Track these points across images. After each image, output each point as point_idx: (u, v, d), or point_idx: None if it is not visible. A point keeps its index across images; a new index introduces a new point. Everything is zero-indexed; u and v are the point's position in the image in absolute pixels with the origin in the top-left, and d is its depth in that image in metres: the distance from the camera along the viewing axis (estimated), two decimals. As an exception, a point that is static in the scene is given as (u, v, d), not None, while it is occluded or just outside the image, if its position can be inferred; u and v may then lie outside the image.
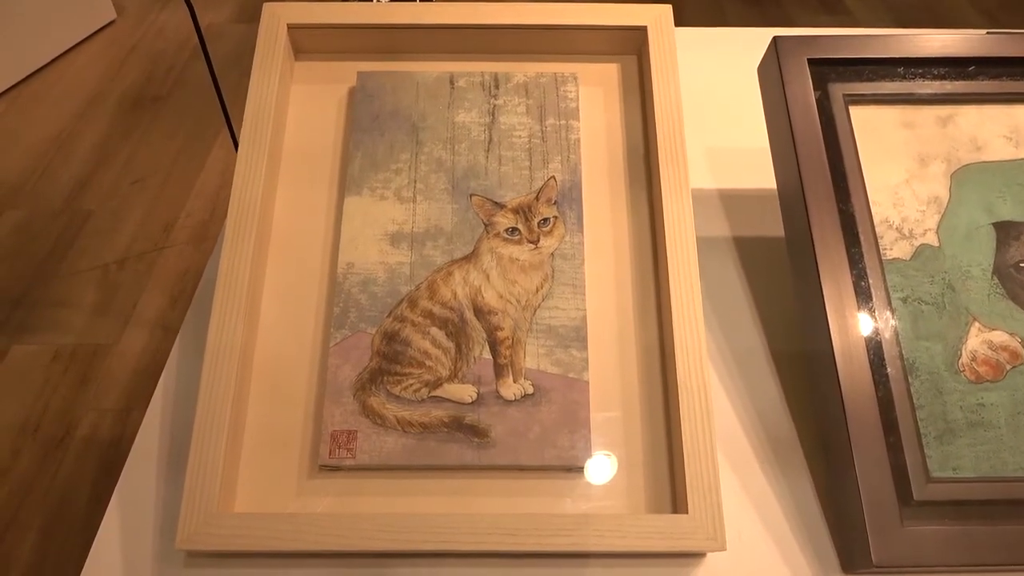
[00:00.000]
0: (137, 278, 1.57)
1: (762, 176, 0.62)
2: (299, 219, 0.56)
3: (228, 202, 0.53)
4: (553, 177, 0.55)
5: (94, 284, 1.56)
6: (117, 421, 1.36)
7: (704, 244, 0.61)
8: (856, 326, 0.49)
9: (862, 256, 0.52)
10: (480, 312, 0.51)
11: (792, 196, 0.55)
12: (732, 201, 0.67)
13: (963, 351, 0.50)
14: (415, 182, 0.55)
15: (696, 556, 0.47)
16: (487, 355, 0.50)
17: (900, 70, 0.57)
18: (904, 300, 0.51)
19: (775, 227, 0.59)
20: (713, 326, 0.59)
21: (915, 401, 0.48)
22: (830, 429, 0.50)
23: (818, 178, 0.53)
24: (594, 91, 0.60)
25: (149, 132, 1.89)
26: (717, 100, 0.73)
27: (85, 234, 1.66)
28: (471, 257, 0.53)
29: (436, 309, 0.51)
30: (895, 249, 0.53)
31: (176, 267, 1.58)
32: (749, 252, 0.63)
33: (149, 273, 1.57)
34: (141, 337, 1.48)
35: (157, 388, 0.55)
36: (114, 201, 1.72)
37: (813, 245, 0.51)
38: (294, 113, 0.60)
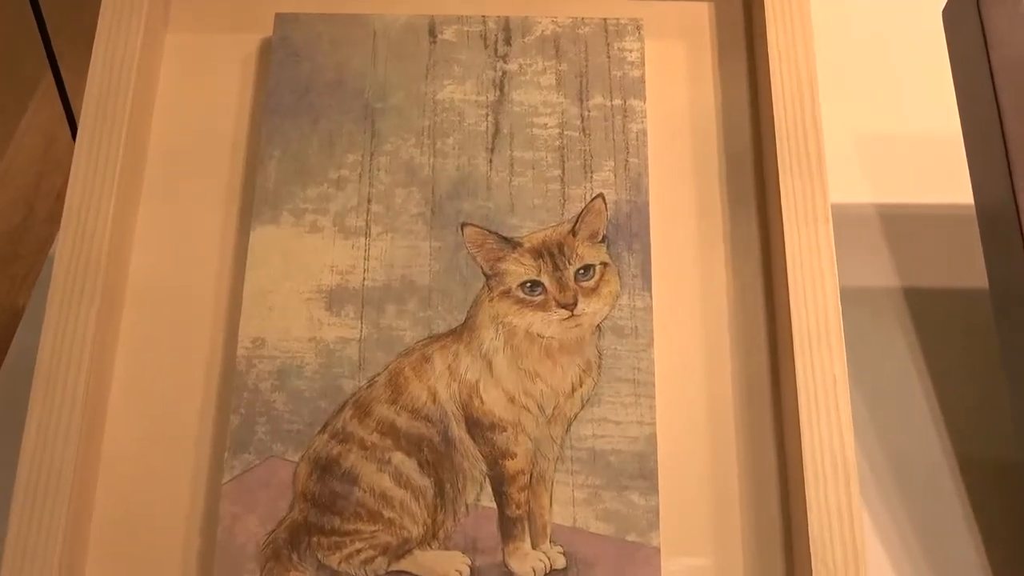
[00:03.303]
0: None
1: (950, 185, 0.62)
2: (174, 264, 0.56)
3: (53, 204, 0.53)
4: (601, 196, 0.54)
5: None
6: None
7: (852, 300, 0.60)
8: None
9: (1123, 333, 0.51)
10: (478, 427, 0.50)
11: (1000, 222, 0.54)
12: (899, 226, 0.66)
13: None
14: (369, 202, 0.55)
15: None
16: (488, 501, 0.50)
17: None
18: None
19: (971, 271, 0.59)
20: (867, 432, 0.58)
21: None
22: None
23: (1046, 195, 0.53)
24: (670, 48, 0.60)
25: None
26: (875, 60, 0.73)
27: None
28: (463, 332, 0.52)
29: (403, 421, 0.50)
30: None
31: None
32: (927, 312, 0.63)
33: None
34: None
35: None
36: None
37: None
38: (170, 83, 0.60)
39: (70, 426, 0.49)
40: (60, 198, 0.54)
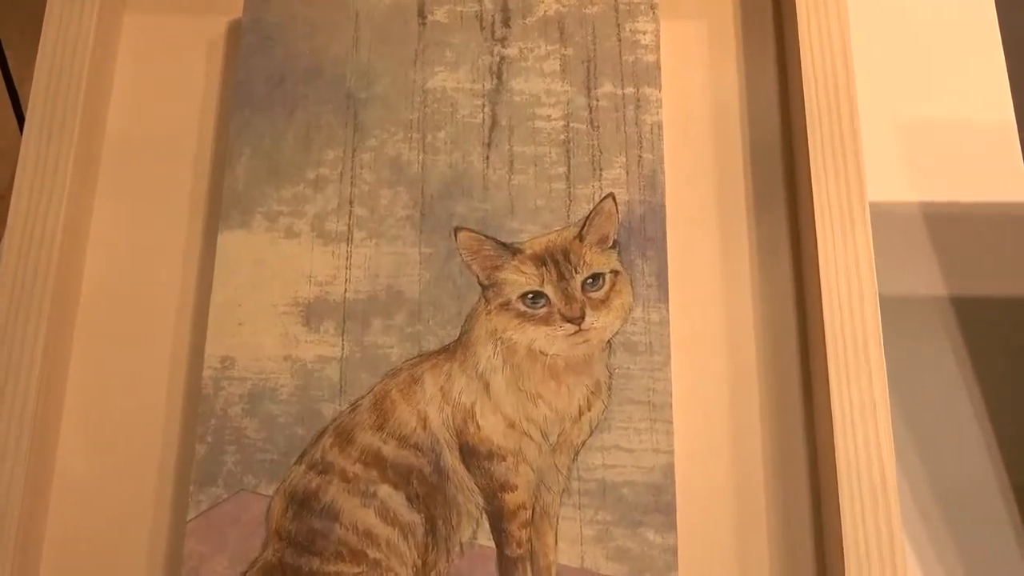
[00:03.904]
0: None
1: (1004, 180, 0.62)
2: (132, 273, 0.56)
3: None
4: (611, 196, 0.54)
5: None
6: None
7: (894, 310, 0.60)
8: None
9: None
10: (473, 456, 0.50)
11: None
12: (946, 227, 0.66)
13: None
14: (351, 204, 0.55)
15: None
16: (485, 540, 0.49)
17: None
18: None
19: (1026, 277, 0.58)
20: (910, 458, 0.58)
21: None
22: None
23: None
24: (688, 30, 0.60)
25: None
26: (918, 39, 0.72)
27: None
28: (457, 349, 0.52)
29: (390, 450, 0.50)
30: None
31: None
32: (978, 323, 0.62)
33: None
34: None
35: None
36: None
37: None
38: (128, 69, 0.60)
39: (16, 462, 0.49)
40: (5, 199, 0.54)
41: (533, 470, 0.50)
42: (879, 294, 0.52)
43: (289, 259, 0.54)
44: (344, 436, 0.51)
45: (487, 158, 0.55)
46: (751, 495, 0.52)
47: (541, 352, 0.52)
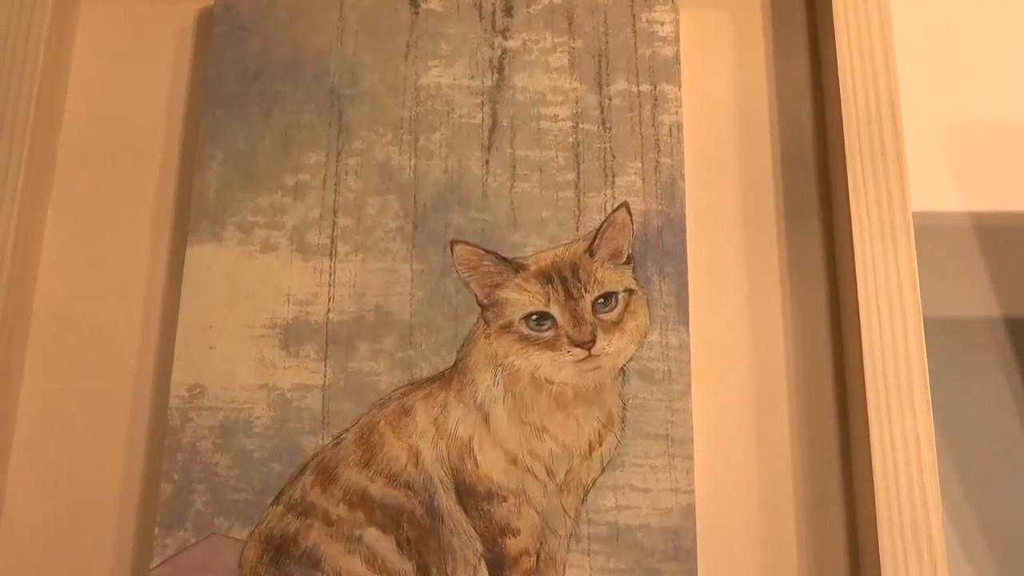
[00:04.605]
0: None
1: None
2: (90, 291, 0.56)
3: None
4: (625, 205, 0.54)
5: None
6: None
7: (939, 332, 0.60)
8: None
9: None
10: (471, 496, 0.50)
11: None
12: (998, 239, 0.66)
13: None
14: (335, 214, 0.55)
15: None
16: None
17: None
18: None
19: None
20: (958, 500, 0.58)
21: None
22: None
23: None
24: (711, 20, 0.60)
25: None
26: (967, 34, 0.72)
27: None
28: (453, 377, 0.52)
29: (377, 489, 0.50)
30: None
31: None
32: None
33: None
34: None
35: None
36: None
37: None
38: (85, 63, 0.59)
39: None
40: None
41: (537, 512, 0.50)
42: (923, 315, 0.52)
43: (265, 275, 0.54)
44: (326, 474, 0.51)
45: (487, 163, 0.56)
46: (781, 540, 0.52)
47: (547, 380, 0.52)
